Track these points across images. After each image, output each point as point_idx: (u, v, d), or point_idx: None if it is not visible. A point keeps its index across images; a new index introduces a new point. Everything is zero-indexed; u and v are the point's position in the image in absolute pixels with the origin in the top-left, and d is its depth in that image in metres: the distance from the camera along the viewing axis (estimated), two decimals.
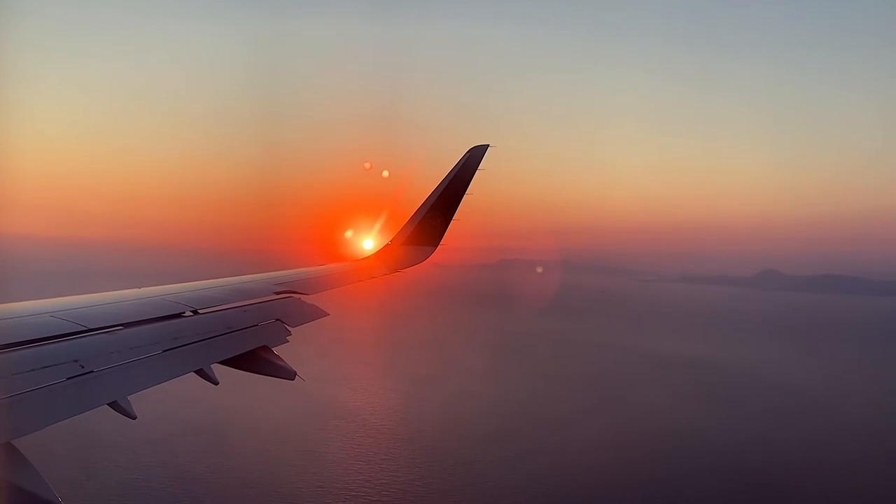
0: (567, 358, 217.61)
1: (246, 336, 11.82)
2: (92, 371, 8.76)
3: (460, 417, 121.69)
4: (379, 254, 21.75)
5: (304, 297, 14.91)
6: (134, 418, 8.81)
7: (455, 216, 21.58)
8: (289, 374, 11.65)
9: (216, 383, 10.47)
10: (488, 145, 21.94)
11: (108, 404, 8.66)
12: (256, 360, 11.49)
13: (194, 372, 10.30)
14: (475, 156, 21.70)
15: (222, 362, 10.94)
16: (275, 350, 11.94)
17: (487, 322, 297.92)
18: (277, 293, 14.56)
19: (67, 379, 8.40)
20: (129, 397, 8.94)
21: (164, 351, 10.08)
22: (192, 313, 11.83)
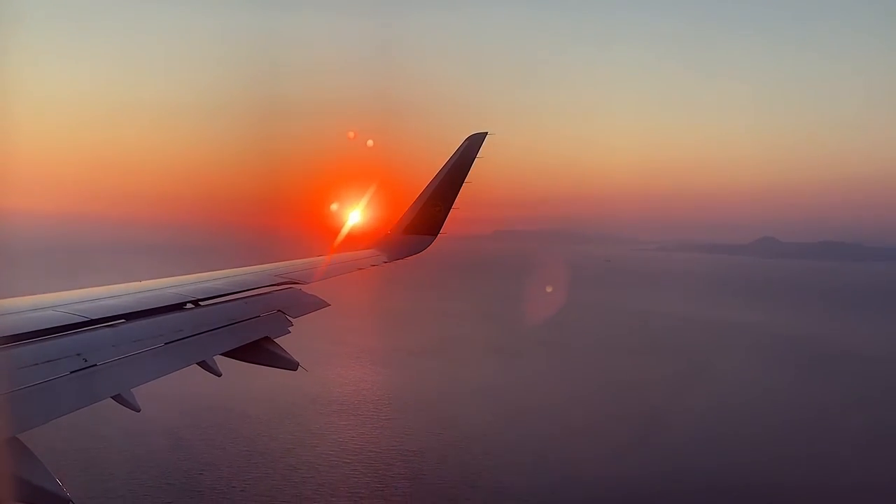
0: (623, 327, 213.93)
1: (248, 327, 11.84)
2: (95, 364, 8.77)
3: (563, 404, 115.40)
4: (378, 243, 21.71)
5: (304, 288, 14.93)
6: (138, 411, 8.86)
7: (454, 204, 21.44)
8: (291, 365, 11.69)
9: (219, 375, 10.51)
10: (486, 133, 21.72)
11: (112, 397, 8.70)
12: (259, 352, 11.53)
13: (197, 364, 10.33)
14: (474, 143, 21.48)
15: (225, 354, 10.98)
16: (277, 341, 11.96)
17: (510, 294, 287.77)
18: (278, 284, 14.56)
19: (70, 373, 8.41)
20: (132, 390, 8.98)
21: (167, 343, 10.09)
22: (193, 305, 11.84)
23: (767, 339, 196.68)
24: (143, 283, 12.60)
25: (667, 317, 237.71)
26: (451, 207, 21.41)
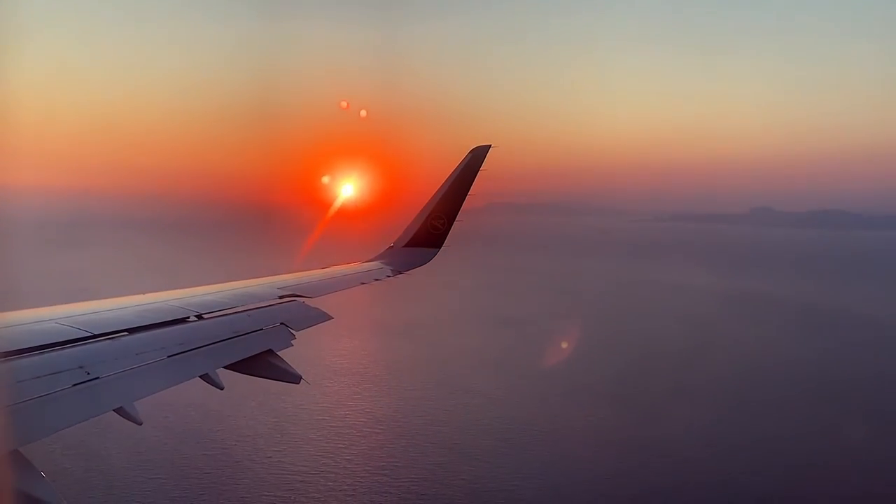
0: (636, 297, 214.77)
1: (251, 340, 11.74)
2: (98, 377, 8.72)
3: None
4: (382, 255, 21.68)
5: (308, 301, 14.84)
6: (140, 424, 8.83)
7: (458, 217, 21.54)
8: (294, 378, 11.59)
9: (222, 388, 10.42)
10: (490, 146, 21.80)
11: (115, 410, 8.66)
12: (261, 365, 11.44)
13: (200, 377, 10.27)
14: (477, 157, 21.55)
15: (227, 367, 10.89)
16: (280, 354, 11.87)
17: (519, 266, 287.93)
18: (282, 297, 14.49)
19: (73, 385, 8.36)
20: (134, 403, 8.97)
21: (170, 356, 10.02)
22: (196, 318, 11.75)
23: (782, 309, 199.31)
24: (145, 296, 12.50)
25: (676, 288, 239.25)
26: (454, 220, 21.43)
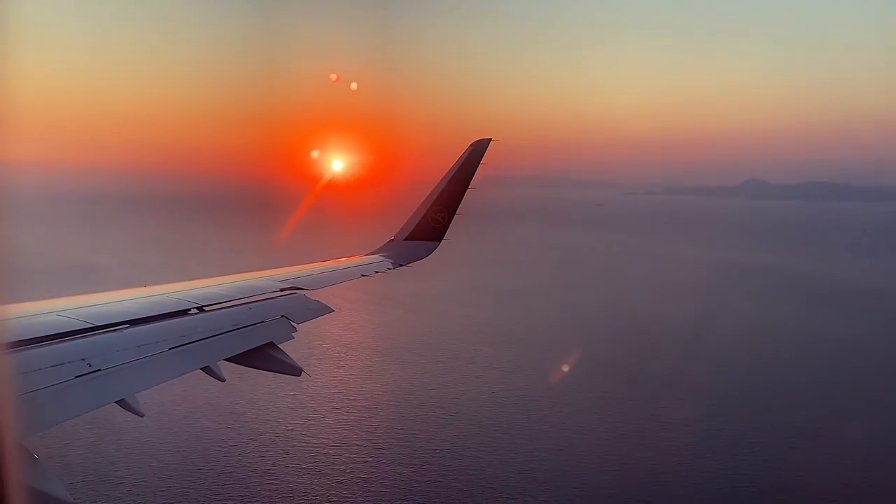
0: (636, 270, 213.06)
1: (252, 333, 11.86)
2: (99, 369, 8.85)
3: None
4: (383, 248, 21.80)
5: (308, 294, 14.93)
6: (142, 416, 8.93)
7: (458, 210, 21.68)
8: (295, 371, 11.76)
9: (223, 380, 10.57)
10: (490, 139, 21.89)
11: (116, 402, 8.77)
12: (263, 357, 11.58)
13: (201, 369, 10.39)
14: (477, 150, 21.69)
15: (229, 359, 11.03)
16: (281, 346, 12.00)
17: (516, 240, 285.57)
18: (282, 290, 14.57)
19: (75, 377, 8.50)
20: (136, 395, 9.04)
21: (171, 349, 10.16)
22: (198, 311, 11.88)
23: (779, 279, 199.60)
24: (148, 288, 12.64)
25: (674, 260, 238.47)
26: (455, 213, 21.57)
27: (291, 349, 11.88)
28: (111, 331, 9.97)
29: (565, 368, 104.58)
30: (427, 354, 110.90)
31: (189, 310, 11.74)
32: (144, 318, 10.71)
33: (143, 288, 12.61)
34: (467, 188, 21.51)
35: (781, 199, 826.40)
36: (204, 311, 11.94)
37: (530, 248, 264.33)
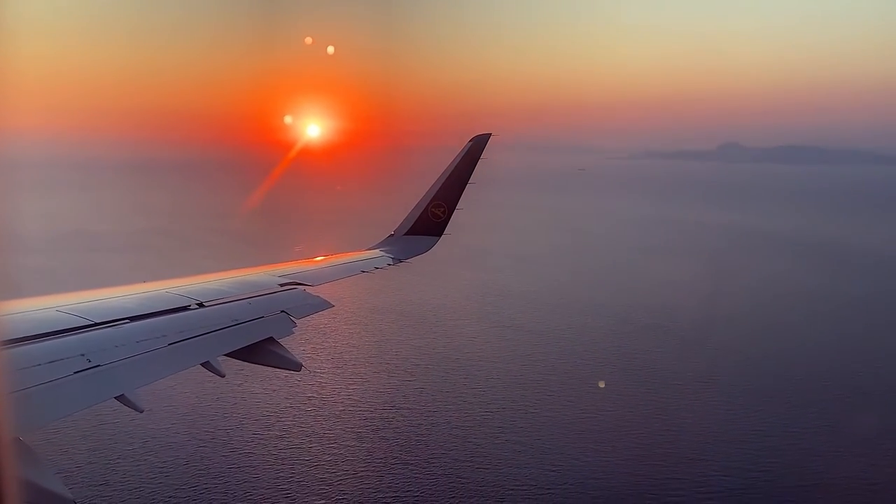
0: (648, 234, 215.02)
1: (252, 328, 11.85)
2: (98, 365, 8.84)
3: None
4: (383, 243, 21.80)
5: (308, 289, 14.89)
6: (141, 411, 8.94)
7: (458, 205, 21.77)
8: (295, 366, 11.78)
9: (223, 375, 10.57)
10: (490, 134, 21.99)
11: (115, 398, 8.77)
12: (262, 352, 11.58)
13: (201, 365, 10.38)
14: (477, 146, 21.76)
15: (228, 354, 11.04)
16: (281, 342, 12.00)
17: (513, 204, 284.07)
18: (282, 285, 14.56)
19: (74, 373, 8.49)
20: (135, 390, 9.04)
21: (171, 344, 10.14)
22: (197, 306, 11.85)
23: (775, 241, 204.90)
24: (147, 284, 12.57)
25: (666, 222, 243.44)
26: (454, 208, 21.64)
27: (291, 344, 11.90)
28: (110, 326, 9.94)
29: (589, 328, 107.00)
30: (449, 316, 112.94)
31: (188, 305, 11.71)
32: (144, 314, 10.69)
33: (143, 284, 12.56)
34: (467, 183, 21.58)
35: (758, 163, 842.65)
36: (203, 306, 11.92)
37: (522, 212, 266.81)
